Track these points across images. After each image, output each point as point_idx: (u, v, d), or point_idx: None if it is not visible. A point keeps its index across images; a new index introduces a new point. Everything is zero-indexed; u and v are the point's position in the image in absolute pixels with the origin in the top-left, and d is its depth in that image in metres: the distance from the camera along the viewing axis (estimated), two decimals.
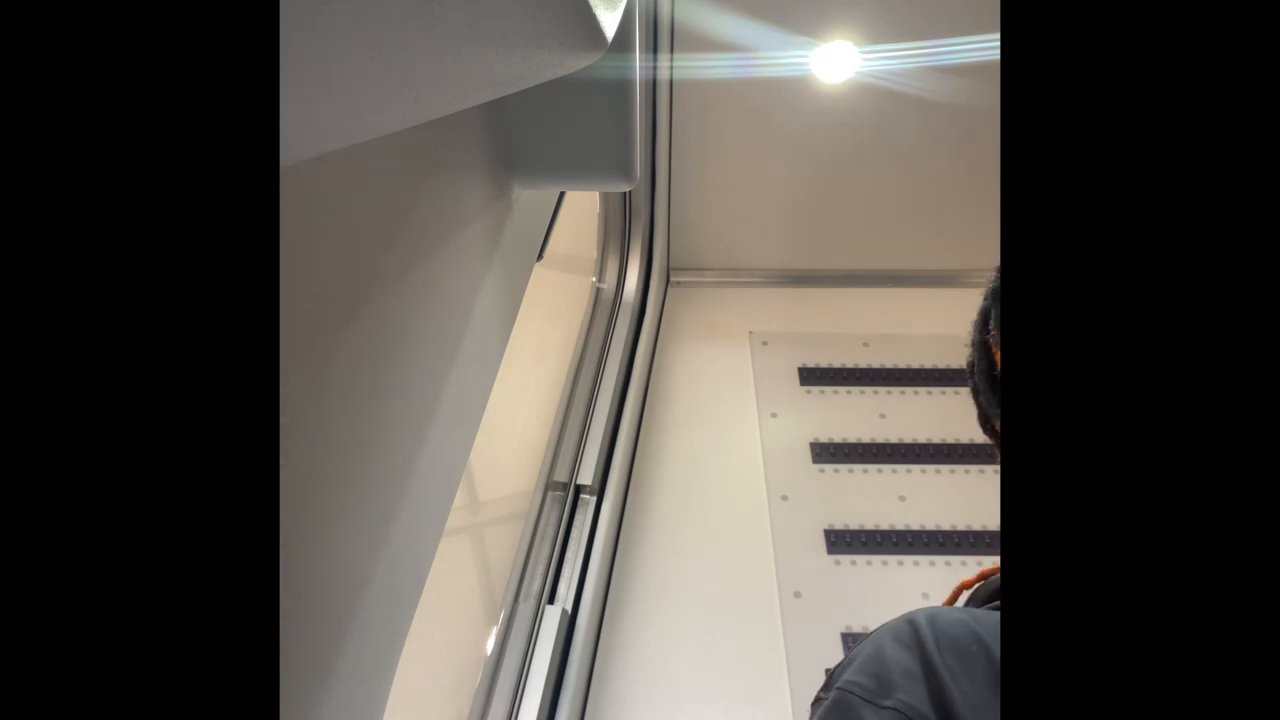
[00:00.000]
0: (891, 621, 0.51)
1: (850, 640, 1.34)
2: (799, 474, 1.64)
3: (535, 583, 1.29)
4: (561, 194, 1.08)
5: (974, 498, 1.55)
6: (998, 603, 0.59)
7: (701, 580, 1.44)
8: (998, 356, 0.66)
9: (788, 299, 2.10)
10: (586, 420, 1.57)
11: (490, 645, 1.18)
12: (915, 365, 1.85)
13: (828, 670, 0.55)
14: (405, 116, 0.33)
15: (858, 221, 2.09)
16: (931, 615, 0.49)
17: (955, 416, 1.73)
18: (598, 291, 1.91)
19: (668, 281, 2.15)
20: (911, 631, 0.48)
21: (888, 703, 0.45)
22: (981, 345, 0.68)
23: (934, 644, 0.46)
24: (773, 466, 1.64)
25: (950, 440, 1.68)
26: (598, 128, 0.82)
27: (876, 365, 1.86)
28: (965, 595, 0.67)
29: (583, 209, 1.89)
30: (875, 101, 1.85)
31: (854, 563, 1.47)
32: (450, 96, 0.37)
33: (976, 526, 1.49)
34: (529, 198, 0.93)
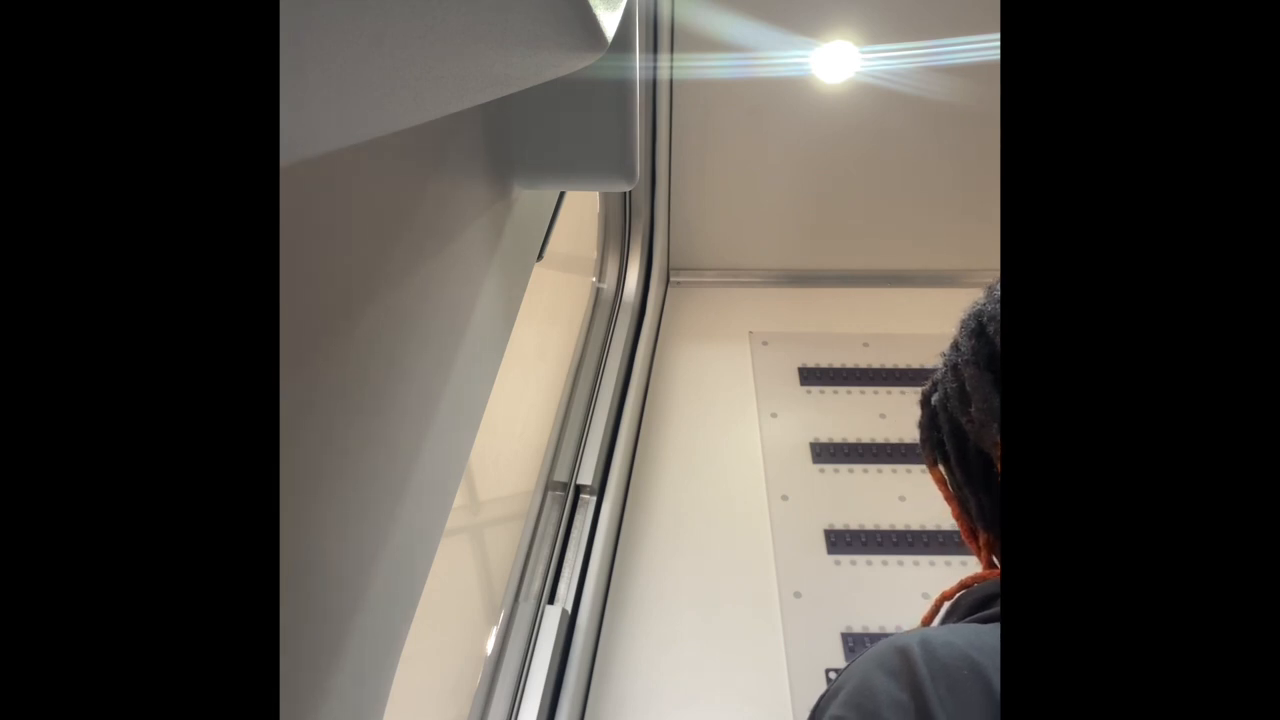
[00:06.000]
0: (880, 646, 0.48)
1: (850, 640, 1.34)
2: (799, 474, 1.63)
3: (535, 583, 1.29)
4: (561, 194, 1.08)
5: None
6: (982, 614, 0.56)
7: (701, 580, 1.44)
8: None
9: (788, 299, 2.10)
10: (586, 420, 1.57)
11: (490, 645, 1.18)
12: (915, 365, 1.84)
13: (827, 674, 0.53)
14: (405, 116, 0.33)
15: (858, 221, 2.09)
16: (923, 639, 0.46)
17: None
18: (598, 291, 1.91)
19: (668, 281, 2.15)
20: (900, 659, 0.45)
21: None
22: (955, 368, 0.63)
23: (925, 672, 0.43)
24: (773, 466, 1.64)
25: None
26: (598, 128, 0.82)
27: (876, 365, 1.86)
28: (946, 607, 0.64)
29: (583, 209, 1.89)
30: (875, 101, 1.85)
31: (854, 563, 1.47)
32: (450, 96, 0.37)
33: None
34: (529, 198, 0.93)
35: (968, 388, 0.61)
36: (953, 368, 0.64)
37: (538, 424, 1.53)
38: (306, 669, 0.48)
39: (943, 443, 0.67)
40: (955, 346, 0.64)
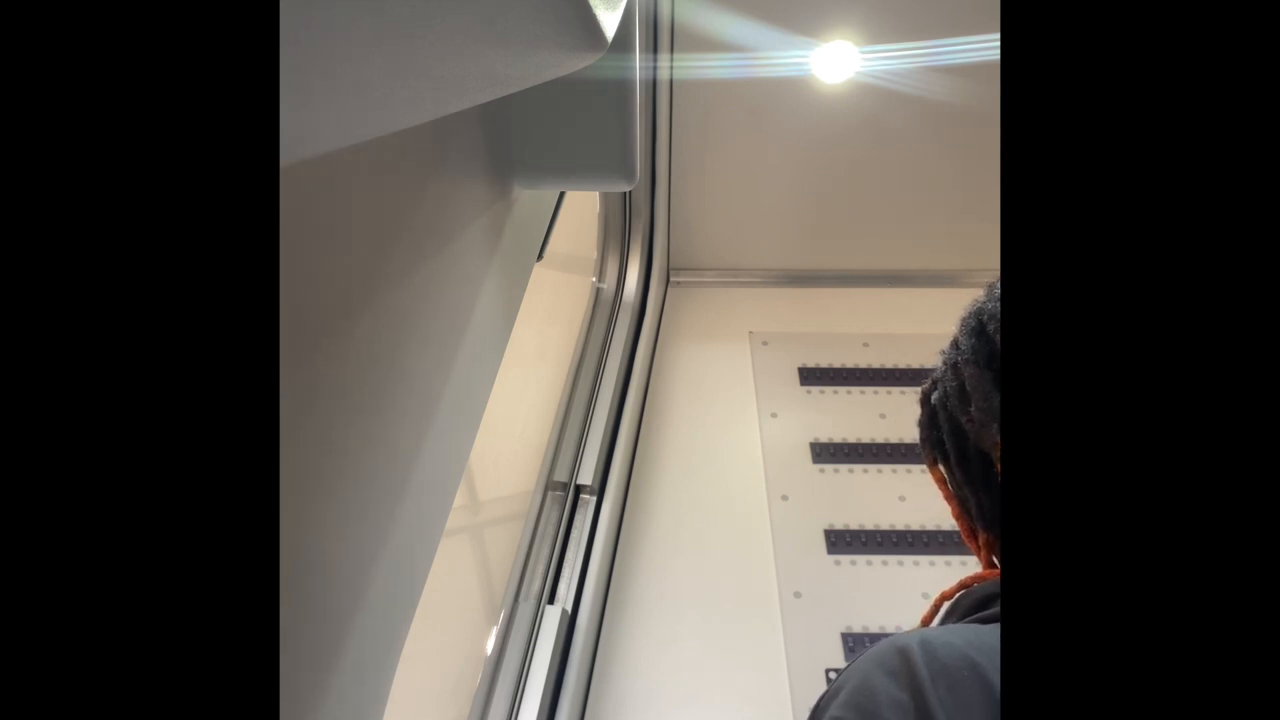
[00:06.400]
0: (880, 647, 0.48)
1: (850, 640, 1.34)
2: (799, 474, 1.63)
3: (535, 583, 1.29)
4: (561, 194, 1.08)
5: None
6: (982, 614, 0.56)
7: (701, 580, 1.44)
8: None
9: (788, 299, 2.10)
10: (586, 420, 1.57)
11: (490, 645, 1.18)
12: (915, 365, 1.84)
13: (828, 675, 0.53)
14: (405, 116, 0.33)
15: (857, 221, 2.09)
16: (923, 640, 0.46)
17: None
18: (598, 291, 1.91)
19: (668, 281, 2.15)
20: (900, 660, 0.45)
21: None
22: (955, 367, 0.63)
23: (925, 673, 0.43)
24: (773, 466, 1.64)
25: None
26: (598, 128, 0.82)
27: (876, 365, 1.86)
28: (945, 607, 0.63)
29: (583, 209, 1.89)
30: (875, 101, 1.85)
31: (854, 563, 1.47)
32: (450, 96, 0.37)
33: None
34: (529, 198, 0.93)
35: (967, 386, 0.60)
36: (953, 366, 0.64)
37: (538, 424, 1.53)
38: (306, 669, 0.48)
39: (942, 442, 0.67)
40: (955, 345, 0.64)
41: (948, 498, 0.71)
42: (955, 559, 1.46)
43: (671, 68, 1.81)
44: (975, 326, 0.61)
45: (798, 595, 1.41)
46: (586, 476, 1.47)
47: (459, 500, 0.76)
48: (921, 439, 0.72)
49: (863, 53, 1.77)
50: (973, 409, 0.60)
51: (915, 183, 2.00)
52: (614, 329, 1.81)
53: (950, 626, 0.50)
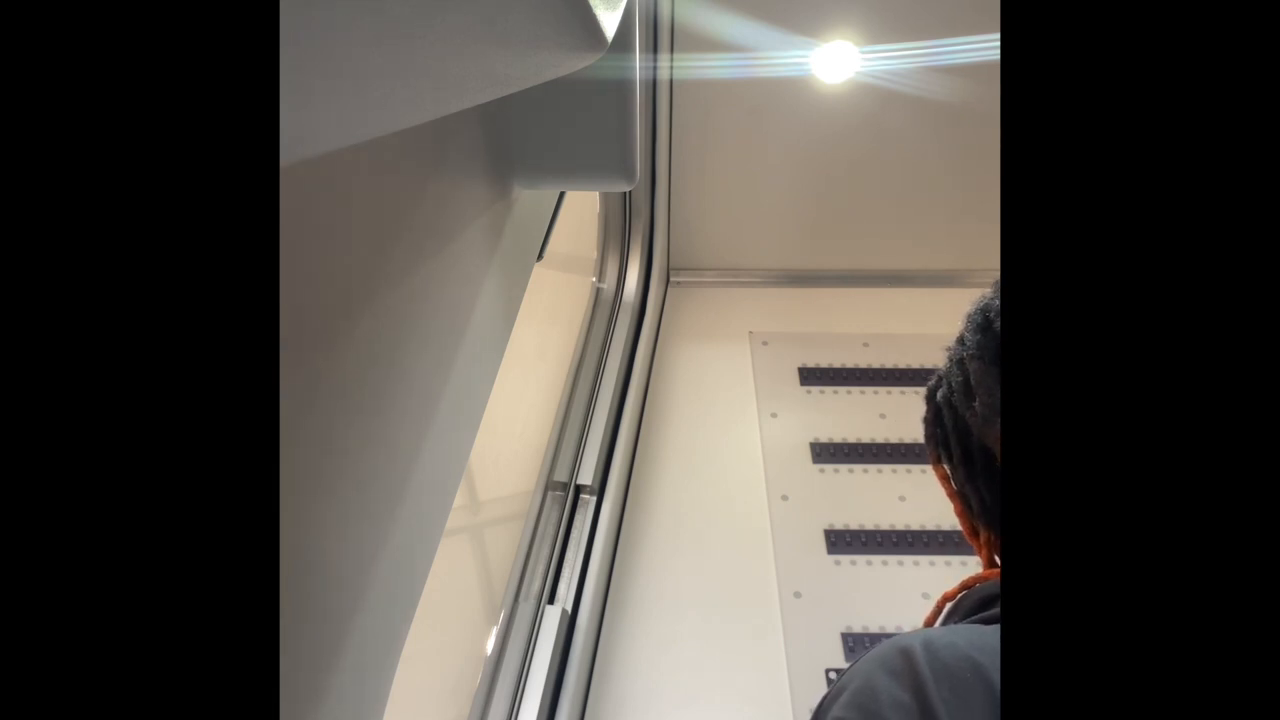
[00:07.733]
0: (883, 647, 0.48)
1: (850, 640, 1.34)
2: (799, 474, 1.63)
3: (535, 583, 1.29)
4: (561, 194, 1.08)
5: None
6: (984, 614, 0.57)
7: (701, 580, 1.44)
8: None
9: (788, 299, 2.10)
10: (586, 420, 1.57)
11: (490, 645, 1.18)
12: (915, 365, 1.84)
13: (828, 676, 0.53)
14: (405, 116, 0.33)
15: (858, 221, 2.09)
16: (926, 641, 0.46)
17: None
18: (598, 291, 1.91)
19: (668, 281, 2.15)
20: (904, 661, 0.45)
21: None
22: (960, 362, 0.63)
23: (929, 674, 0.43)
24: (773, 466, 1.64)
25: None
26: (598, 128, 0.82)
27: (876, 365, 1.86)
28: (948, 608, 0.63)
29: (583, 209, 1.89)
30: (875, 101, 1.85)
31: (854, 563, 1.47)
32: (450, 96, 0.37)
33: None
34: (529, 198, 0.93)
35: (972, 381, 0.61)
36: (958, 362, 0.64)
37: (538, 424, 1.53)
38: (306, 669, 0.48)
39: (947, 438, 0.67)
40: (961, 341, 0.64)
41: (951, 495, 0.71)
42: (955, 559, 1.46)
43: (671, 68, 1.81)
44: (982, 322, 0.61)
45: (798, 595, 1.41)
46: (586, 476, 1.47)
47: (459, 500, 0.76)
48: (926, 436, 0.72)
49: (863, 53, 1.77)
50: (976, 404, 0.60)
51: (915, 183, 2.00)
52: (614, 329, 1.80)
53: (953, 627, 0.50)
